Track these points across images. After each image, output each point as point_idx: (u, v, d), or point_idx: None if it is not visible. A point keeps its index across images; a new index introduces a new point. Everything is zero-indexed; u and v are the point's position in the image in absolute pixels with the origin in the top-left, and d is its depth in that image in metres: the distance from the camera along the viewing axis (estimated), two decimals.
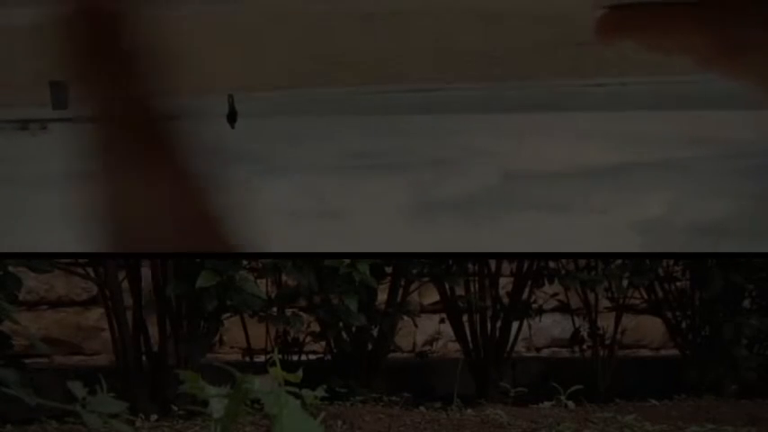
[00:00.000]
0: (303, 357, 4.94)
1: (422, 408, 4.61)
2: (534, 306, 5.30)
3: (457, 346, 5.33)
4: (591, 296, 5.37)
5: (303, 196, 8.83)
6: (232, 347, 5.69)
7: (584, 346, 5.47)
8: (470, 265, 5.21)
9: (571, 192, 8.54)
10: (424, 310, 5.74)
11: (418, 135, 10.49)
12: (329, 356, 4.93)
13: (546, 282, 5.24)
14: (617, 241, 7.05)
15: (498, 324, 5.23)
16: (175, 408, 4.33)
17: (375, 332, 4.94)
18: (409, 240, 6.83)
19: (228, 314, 4.57)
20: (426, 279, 5.09)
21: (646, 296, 5.55)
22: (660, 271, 5.44)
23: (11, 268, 4.05)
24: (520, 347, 5.60)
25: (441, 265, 5.05)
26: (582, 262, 5.27)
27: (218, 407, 1.31)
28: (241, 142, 9.45)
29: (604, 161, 9.67)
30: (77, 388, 1.62)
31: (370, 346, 4.94)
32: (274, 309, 4.68)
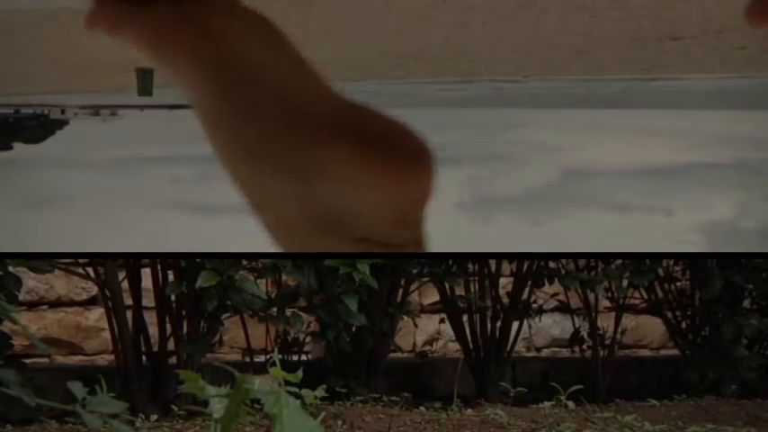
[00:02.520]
0: (303, 357, 4.95)
1: (422, 408, 4.61)
2: (534, 306, 5.29)
3: (457, 346, 5.33)
4: (591, 296, 5.37)
5: None
6: (232, 347, 5.69)
7: (584, 346, 5.47)
8: (470, 265, 5.21)
9: (636, 191, 8.48)
10: (424, 310, 5.73)
11: (482, 129, 10.42)
12: (328, 356, 4.93)
13: (546, 282, 5.24)
14: (680, 243, 7.01)
15: (498, 324, 5.23)
16: (175, 408, 4.33)
17: (375, 332, 4.94)
18: (467, 237, 6.75)
19: (228, 314, 4.57)
20: (426, 279, 5.09)
21: (646, 296, 5.55)
22: (660, 271, 5.44)
23: (11, 268, 4.05)
24: (520, 347, 5.60)
25: (441, 265, 5.05)
26: (582, 262, 5.27)
27: (218, 407, 1.31)
28: None
29: (671, 160, 9.59)
30: (77, 388, 1.62)
31: (370, 346, 4.94)
32: (274, 309, 4.68)
